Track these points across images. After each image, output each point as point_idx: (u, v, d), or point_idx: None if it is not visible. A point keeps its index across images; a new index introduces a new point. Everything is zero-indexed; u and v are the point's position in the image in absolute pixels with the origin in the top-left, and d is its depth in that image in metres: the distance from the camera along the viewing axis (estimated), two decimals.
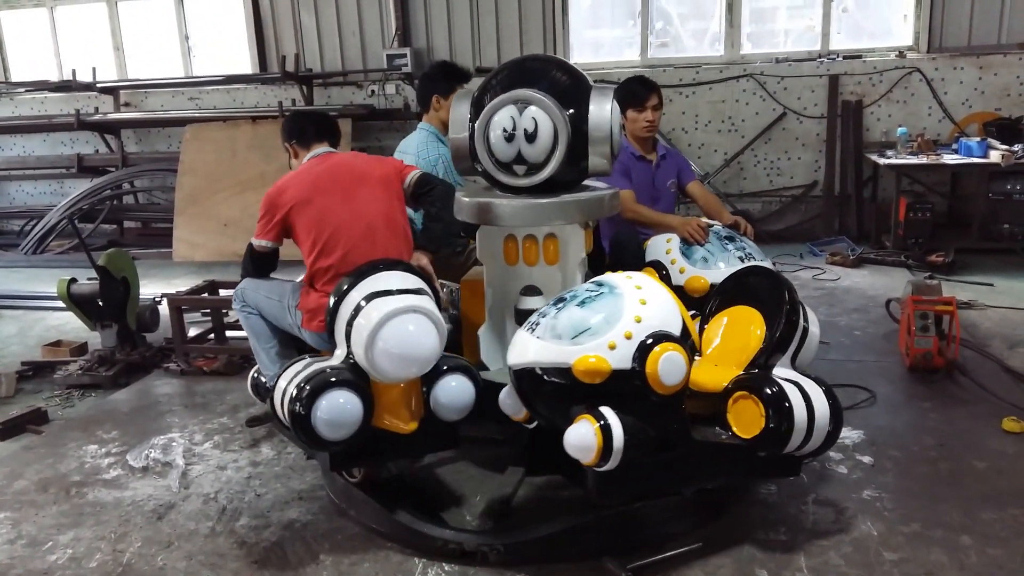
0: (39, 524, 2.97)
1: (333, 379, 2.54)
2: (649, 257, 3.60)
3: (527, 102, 2.84)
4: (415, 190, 3.18)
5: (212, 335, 4.81)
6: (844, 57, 7.12)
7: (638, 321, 2.35)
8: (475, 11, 7.80)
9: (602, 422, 2.28)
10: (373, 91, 8.11)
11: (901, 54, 7.01)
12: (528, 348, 2.43)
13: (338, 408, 2.52)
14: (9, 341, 5.28)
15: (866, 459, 3.14)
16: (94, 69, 8.61)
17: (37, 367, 4.61)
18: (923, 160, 6.28)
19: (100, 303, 4.47)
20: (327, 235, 2.94)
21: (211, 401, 4.07)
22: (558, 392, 2.39)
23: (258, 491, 3.12)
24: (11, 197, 9.44)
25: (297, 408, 2.50)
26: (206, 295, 4.93)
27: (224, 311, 4.89)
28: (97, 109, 8.70)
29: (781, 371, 2.58)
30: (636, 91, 3.94)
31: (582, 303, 2.45)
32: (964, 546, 2.57)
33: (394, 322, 2.54)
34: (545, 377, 2.39)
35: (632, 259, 3.55)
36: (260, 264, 3.26)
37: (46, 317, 5.76)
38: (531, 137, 2.84)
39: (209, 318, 4.91)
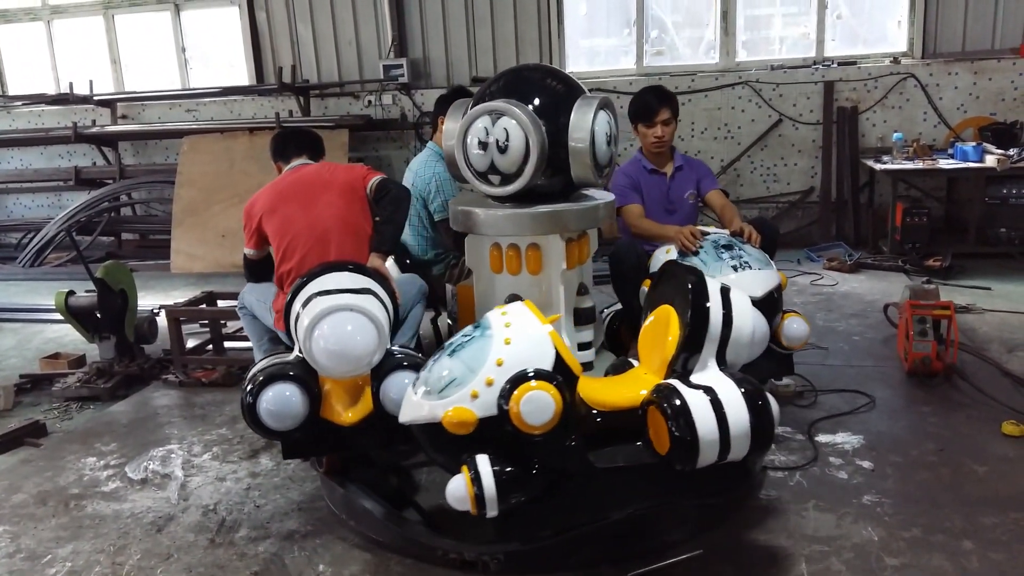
0: (38, 537, 2.96)
1: (279, 373, 2.69)
2: (652, 269, 3.53)
3: (500, 113, 2.87)
4: (375, 195, 3.32)
5: (210, 346, 4.81)
6: (839, 63, 7.14)
7: (499, 364, 2.34)
8: (471, 21, 7.83)
9: (472, 472, 2.31)
10: (370, 101, 8.12)
11: (896, 60, 7.04)
12: (407, 406, 2.47)
13: (282, 400, 2.67)
14: (7, 354, 5.27)
15: (866, 464, 3.14)
16: (91, 82, 8.63)
17: (35, 380, 4.60)
18: (919, 165, 6.30)
19: (98, 315, 4.47)
20: (288, 241, 3.21)
21: (210, 412, 4.06)
22: (443, 444, 2.40)
23: (257, 502, 3.12)
24: (9, 210, 9.44)
25: (247, 398, 2.68)
26: (204, 306, 4.93)
27: (222, 322, 4.89)
28: (94, 122, 8.71)
29: (702, 374, 2.43)
30: (647, 104, 3.82)
31: (452, 352, 2.46)
32: (966, 551, 2.57)
33: (330, 319, 2.65)
34: (426, 432, 2.40)
35: (632, 272, 3.54)
36: (252, 270, 3.59)
37: (44, 330, 5.76)
38: (503, 148, 2.88)
39: (207, 329, 4.91)
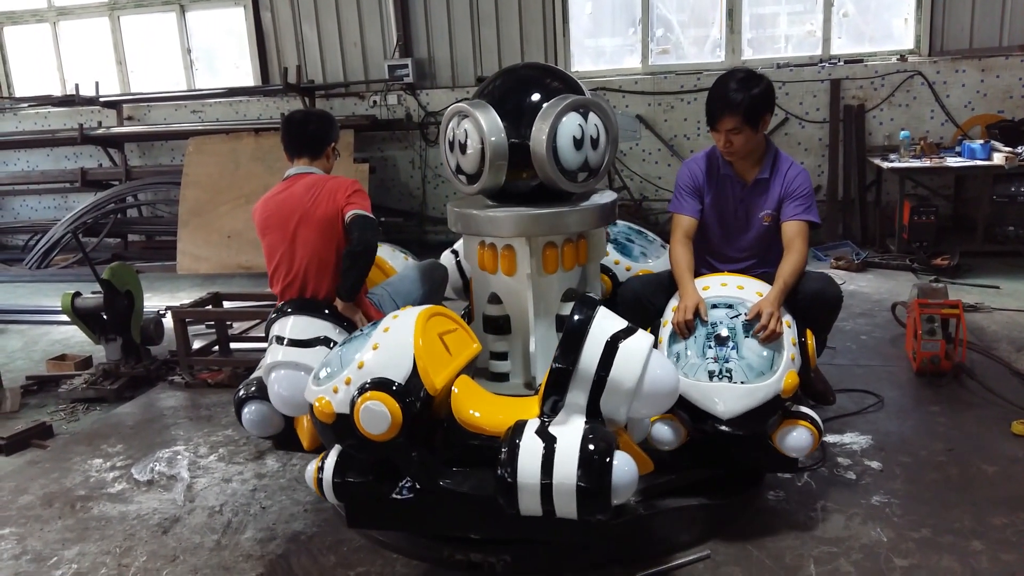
0: (44, 539, 2.96)
1: (255, 389, 3.11)
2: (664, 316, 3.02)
3: (463, 114, 2.87)
4: (345, 233, 3.21)
5: (216, 347, 4.81)
6: (845, 61, 7.11)
7: (360, 367, 2.35)
8: (476, 21, 7.82)
9: (322, 463, 2.50)
10: (375, 102, 8.13)
11: (902, 58, 7.01)
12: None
13: (262, 414, 3.11)
14: (14, 356, 5.29)
15: (875, 464, 3.12)
16: (97, 83, 8.65)
17: (42, 381, 4.62)
18: (926, 163, 6.26)
19: (104, 317, 4.47)
20: (272, 267, 3.32)
21: (216, 413, 4.06)
22: (324, 431, 2.46)
23: (263, 504, 3.11)
24: (15, 212, 9.48)
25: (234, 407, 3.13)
26: (210, 307, 4.93)
27: (228, 323, 4.89)
28: (100, 123, 8.74)
29: (562, 420, 2.29)
30: (709, 107, 3.06)
31: (344, 344, 2.57)
32: (975, 552, 2.55)
33: (278, 372, 2.97)
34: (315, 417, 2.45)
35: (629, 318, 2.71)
36: None
37: (51, 331, 5.77)
38: (463, 148, 2.89)
39: (213, 330, 4.91)
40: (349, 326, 3.10)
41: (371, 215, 3.19)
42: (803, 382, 2.77)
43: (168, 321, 4.78)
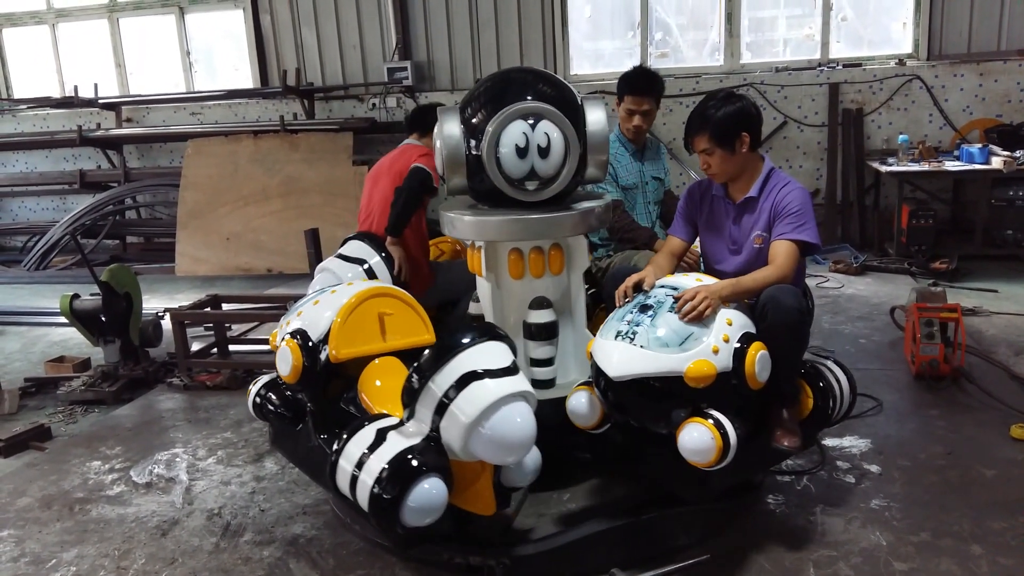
0: (43, 542, 2.95)
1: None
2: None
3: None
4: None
5: (215, 349, 4.80)
6: (844, 65, 7.13)
7: (299, 315, 2.82)
8: (475, 24, 7.83)
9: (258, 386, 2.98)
10: (374, 104, 8.13)
11: (901, 62, 7.02)
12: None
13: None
14: (12, 357, 5.28)
15: (874, 468, 3.12)
16: (96, 85, 8.65)
17: (40, 383, 4.61)
18: (925, 167, 6.27)
19: (103, 319, 4.47)
20: (360, 210, 4.06)
21: (214, 416, 4.05)
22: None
23: (262, 506, 3.11)
24: (14, 213, 9.47)
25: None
26: (209, 309, 4.92)
27: (227, 325, 4.88)
28: (99, 125, 8.73)
29: (407, 425, 2.33)
30: (685, 129, 2.96)
31: (321, 291, 2.96)
32: (975, 556, 2.55)
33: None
34: None
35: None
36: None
37: (49, 333, 5.76)
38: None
39: (212, 333, 4.91)
40: (387, 258, 3.62)
41: (426, 168, 3.69)
42: (744, 400, 2.55)
43: (167, 323, 4.77)
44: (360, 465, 2.25)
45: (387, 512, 2.18)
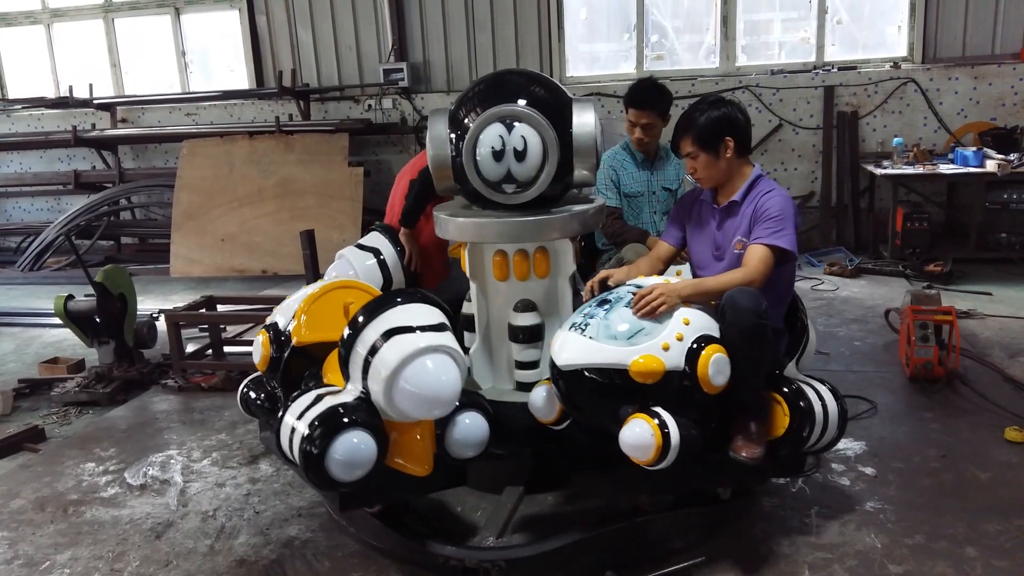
0: (36, 544, 2.94)
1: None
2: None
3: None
4: None
5: (210, 351, 4.79)
6: (839, 68, 7.14)
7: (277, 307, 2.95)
8: (471, 26, 7.83)
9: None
10: (370, 105, 8.12)
11: (896, 65, 7.04)
12: None
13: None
14: (6, 359, 5.26)
15: (868, 471, 3.13)
16: (91, 85, 8.62)
17: (34, 384, 4.59)
18: (919, 170, 6.30)
19: (97, 320, 4.46)
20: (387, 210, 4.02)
21: (209, 417, 4.04)
22: None
23: (257, 508, 3.10)
24: (8, 214, 9.43)
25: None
26: (204, 311, 4.91)
27: (222, 327, 4.87)
28: (94, 125, 8.70)
29: (351, 388, 2.46)
30: (673, 132, 2.96)
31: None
32: (969, 558, 2.56)
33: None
34: None
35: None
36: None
37: (43, 334, 5.74)
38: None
39: (207, 334, 4.89)
40: (402, 251, 3.64)
41: None
42: (702, 406, 2.48)
43: (161, 324, 4.77)
44: (295, 426, 2.37)
45: (317, 466, 2.26)
